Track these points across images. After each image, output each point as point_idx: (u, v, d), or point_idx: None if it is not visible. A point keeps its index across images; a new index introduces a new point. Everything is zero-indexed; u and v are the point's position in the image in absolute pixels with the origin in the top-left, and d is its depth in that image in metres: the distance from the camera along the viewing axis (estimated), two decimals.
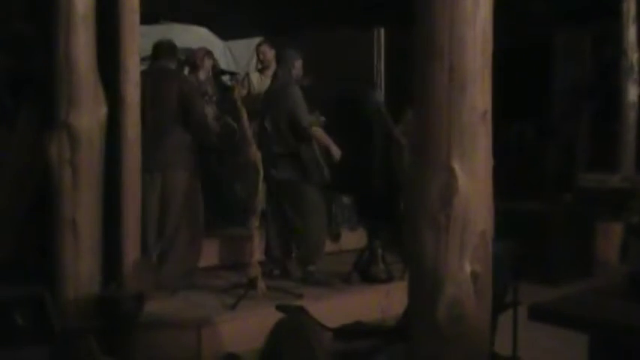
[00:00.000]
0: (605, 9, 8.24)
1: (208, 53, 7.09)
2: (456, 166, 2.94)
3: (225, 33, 9.13)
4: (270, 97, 6.06)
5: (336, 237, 7.05)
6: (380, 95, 7.79)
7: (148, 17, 6.35)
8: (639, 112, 8.10)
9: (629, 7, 8.04)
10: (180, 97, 5.53)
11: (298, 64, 6.07)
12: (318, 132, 6.00)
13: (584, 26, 8.98)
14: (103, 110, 4.79)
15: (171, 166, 5.54)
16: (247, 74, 7.29)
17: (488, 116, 3.06)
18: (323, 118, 6.47)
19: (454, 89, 2.92)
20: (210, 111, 6.55)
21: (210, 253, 6.24)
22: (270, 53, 6.98)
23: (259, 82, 6.98)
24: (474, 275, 2.97)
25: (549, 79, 9.44)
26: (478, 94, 2.96)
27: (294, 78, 6.03)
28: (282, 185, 5.98)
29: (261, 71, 7.11)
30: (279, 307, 3.81)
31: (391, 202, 6.65)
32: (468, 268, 2.96)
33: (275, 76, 6.17)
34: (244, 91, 6.94)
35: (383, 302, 5.64)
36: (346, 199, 7.32)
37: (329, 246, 6.53)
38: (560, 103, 9.41)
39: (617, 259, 7.22)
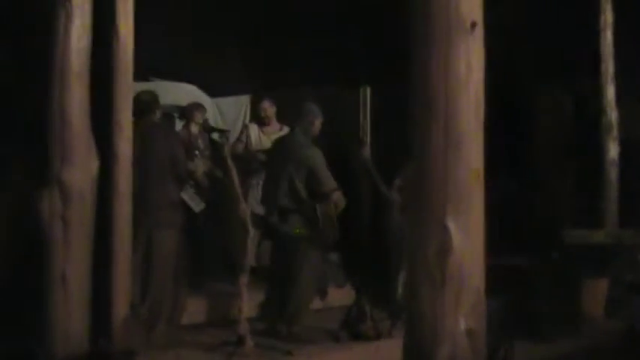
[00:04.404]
0: (586, 69, 8.46)
1: (199, 107, 7.15)
2: (451, 224, 2.99)
3: (213, 90, 9.23)
4: (284, 151, 5.94)
5: (322, 294, 7.02)
6: (367, 152, 7.87)
7: (138, 75, 6.39)
8: (620, 169, 8.24)
9: (608, 67, 8.26)
10: (170, 153, 5.56)
11: (318, 123, 5.99)
12: (337, 195, 5.91)
13: (567, 85, 9.17)
14: (95, 165, 4.80)
15: (158, 224, 5.48)
16: (246, 126, 7.30)
17: (482, 176, 3.12)
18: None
19: (450, 150, 2.99)
20: (200, 164, 6.57)
21: (198, 310, 6.20)
22: (271, 110, 7.05)
23: (257, 137, 7.01)
24: (470, 332, 3.00)
25: (533, 137, 9.58)
26: (473, 155, 3.02)
27: (311, 136, 5.97)
28: (288, 240, 5.92)
29: (260, 126, 7.13)
30: None
31: (379, 259, 6.66)
32: (463, 325, 2.99)
33: (292, 130, 6.06)
34: (241, 145, 6.95)
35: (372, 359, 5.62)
36: (333, 256, 7.32)
37: (316, 303, 6.51)
38: (544, 160, 9.53)
39: (603, 315, 7.24)
